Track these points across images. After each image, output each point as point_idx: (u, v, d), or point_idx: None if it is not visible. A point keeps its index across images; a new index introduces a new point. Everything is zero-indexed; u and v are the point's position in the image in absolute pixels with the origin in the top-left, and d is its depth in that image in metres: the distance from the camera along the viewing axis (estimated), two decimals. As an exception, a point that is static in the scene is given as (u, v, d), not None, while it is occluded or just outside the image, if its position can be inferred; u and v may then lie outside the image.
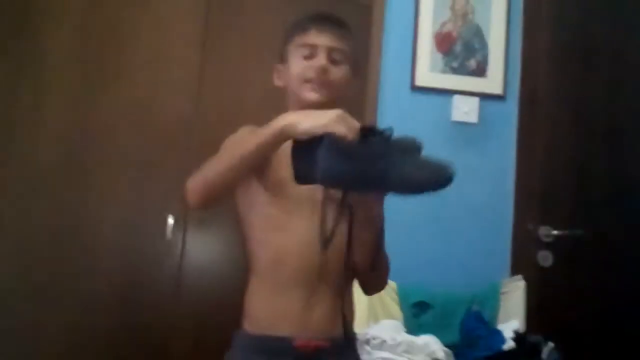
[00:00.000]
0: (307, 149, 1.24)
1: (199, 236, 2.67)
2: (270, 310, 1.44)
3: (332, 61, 1.50)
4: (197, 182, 1.38)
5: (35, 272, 2.56)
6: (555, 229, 2.54)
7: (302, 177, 1.26)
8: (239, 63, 2.72)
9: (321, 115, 1.27)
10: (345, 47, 1.53)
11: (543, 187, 2.76)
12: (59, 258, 2.58)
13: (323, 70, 1.48)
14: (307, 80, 1.50)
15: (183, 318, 2.61)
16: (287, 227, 1.43)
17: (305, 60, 1.51)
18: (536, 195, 2.77)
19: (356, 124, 1.28)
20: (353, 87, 1.60)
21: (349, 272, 1.48)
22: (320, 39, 1.51)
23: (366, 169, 1.24)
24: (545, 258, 2.60)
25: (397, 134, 2.86)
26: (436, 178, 1.30)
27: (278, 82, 1.59)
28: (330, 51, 1.50)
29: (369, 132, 1.29)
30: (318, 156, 1.22)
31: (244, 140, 1.39)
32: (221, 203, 1.41)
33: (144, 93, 2.69)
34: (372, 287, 1.59)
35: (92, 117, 2.67)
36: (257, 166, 1.38)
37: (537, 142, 2.80)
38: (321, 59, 1.49)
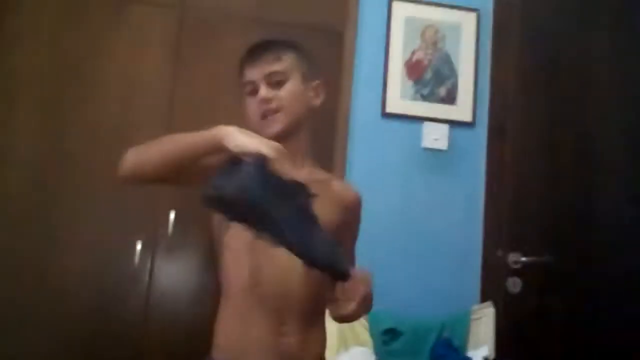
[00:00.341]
0: (231, 168, 1.23)
1: (168, 261, 2.64)
2: (239, 338, 1.42)
3: (275, 85, 1.52)
4: (131, 155, 1.42)
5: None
6: (524, 255, 2.56)
7: (209, 194, 1.22)
8: (210, 88, 2.71)
9: (258, 137, 1.29)
10: (283, 65, 1.53)
11: (512, 214, 2.78)
12: (24, 283, 2.52)
13: (265, 101, 1.50)
14: (261, 117, 1.51)
15: (151, 345, 2.56)
16: (263, 250, 1.39)
17: (250, 98, 1.53)
18: (505, 222, 2.79)
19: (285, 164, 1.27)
20: (315, 95, 1.60)
21: (322, 296, 1.47)
22: (253, 73, 1.53)
23: (278, 207, 1.21)
24: (515, 284, 2.61)
25: (369, 159, 2.89)
26: (333, 264, 1.26)
27: (246, 126, 1.57)
28: (267, 78, 1.52)
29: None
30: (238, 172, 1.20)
31: (183, 136, 1.38)
32: (147, 183, 1.47)
33: (115, 117, 2.67)
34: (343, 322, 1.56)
35: (61, 141, 2.63)
36: (187, 165, 1.37)
37: (507, 169, 2.83)
38: (261, 92, 1.50)
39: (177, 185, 1.50)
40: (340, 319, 1.33)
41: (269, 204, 1.20)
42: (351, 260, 1.51)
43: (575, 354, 2.53)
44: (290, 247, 1.22)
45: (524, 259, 2.53)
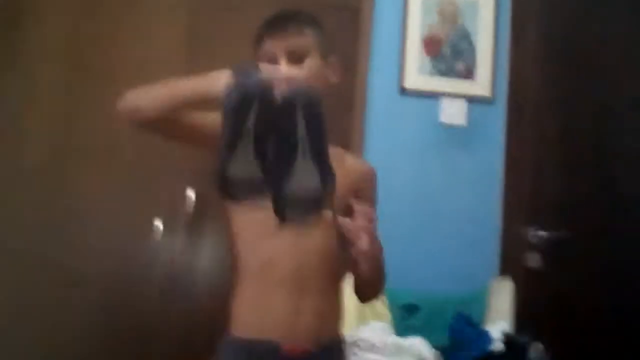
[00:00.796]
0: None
1: (188, 239, 2.67)
2: (257, 314, 1.44)
3: (295, 60, 1.48)
4: (132, 93, 1.43)
5: (18, 276, 2.54)
6: (543, 230, 2.55)
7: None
8: (226, 65, 2.71)
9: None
10: (305, 40, 1.51)
11: (532, 189, 2.77)
12: (44, 263, 2.56)
13: (286, 79, 1.41)
14: None
15: (171, 322, 2.60)
16: (277, 232, 1.39)
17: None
18: (525, 197, 2.78)
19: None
20: (332, 72, 1.58)
21: (339, 275, 1.48)
22: (274, 45, 1.49)
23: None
24: (534, 259, 2.61)
25: (386, 136, 2.88)
26: None
27: None
28: (289, 52, 1.48)
29: None
30: None
31: (182, 79, 1.39)
32: (142, 124, 1.43)
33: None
34: (365, 296, 1.57)
35: (78, 119, 2.66)
36: (182, 108, 1.38)
37: (525, 144, 2.81)
38: (282, 67, 1.47)
39: (170, 138, 1.49)
40: (361, 270, 1.30)
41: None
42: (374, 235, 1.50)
43: (595, 329, 2.54)
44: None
45: (543, 233, 2.52)
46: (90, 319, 2.56)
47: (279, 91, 1.19)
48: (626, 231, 2.50)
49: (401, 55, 2.86)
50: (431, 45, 2.88)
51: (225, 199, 1.20)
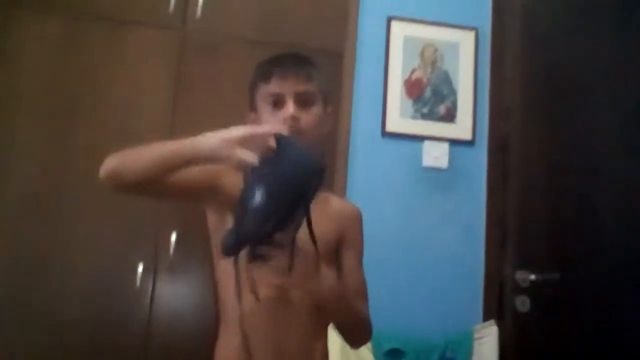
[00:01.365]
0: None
1: (169, 284, 2.63)
2: (240, 357, 1.41)
3: (301, 105, 1.45)
4: (115, 158, 1.38)
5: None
6: (532, 273, 2.54)
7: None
8: (212, 110, 2.72)
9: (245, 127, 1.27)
10: (313, 87, 1.49)
11: (518, 231, 2.76)
12: (25, 304, 2.51)
13: (293, 120, 1.43)
14: None
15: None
16: (247, 283, 1.36)
17: (273, 111, 1.46)
18: (512, 239, 2.77)
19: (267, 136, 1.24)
20: (327, 121, 1.57)
21: (324, 322, 1.46)
22: (284, 86, 1.45)
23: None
24: (523, 303, 2.59)
25: (369, 178, 2.89)
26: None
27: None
28: (297, 96, 1.45)
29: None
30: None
31: (164, 144, 1.34)
32: (125, 189, 1.40)
33: (116, 138, 2.67)
34: (351, 342, 1.57)
35: (62, 161, 2.63)
36: (166, 173, 1.33)
37: (510, 186, 2.82)
38: (289, 108, 1.44)
39: (154, 197, 1.47)
40: None
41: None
42: (359, 277, 1.49)
43: None
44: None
45: (532, 277, 2.51)
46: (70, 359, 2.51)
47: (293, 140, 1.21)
48: (616, 271, 2.50)
49: (383, 99, 2.88)
50: (413, 89, 2.91)
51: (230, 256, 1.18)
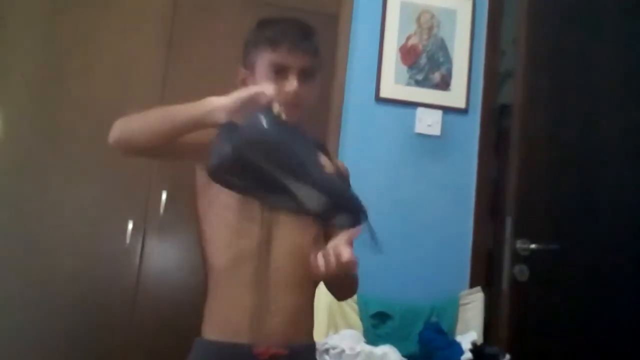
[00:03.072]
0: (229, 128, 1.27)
1: (159, 241, 2.64)
2: (228, 315, 1.42)
3: (303, 79, 1.45)
4: (124, 123, 1.42)
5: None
6: (532, 242, 2.56)
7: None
8: (204, 67, 2.70)
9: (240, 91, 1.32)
10: (317, 61, 1.48)
11: (518, 200, 2.76)
12: (15, 261, 2.52)
13: (295, 95, 1.43)
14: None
15: (141, 324, 2.58)
16: (246, 231, 1.41)
17: (274, 78, 1.44)
18: (511, 208, 2.77)
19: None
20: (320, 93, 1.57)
21: (310, 274, 1.48)
22: (291, 59, 1.44)
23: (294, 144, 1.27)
24: (522, 272, 2.61)
25: (361, 143, 2.89)
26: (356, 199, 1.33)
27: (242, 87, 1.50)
28: (301, 71, 1.44)
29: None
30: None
31: (173, 108, 1.38)
32: (135, 153, 1.44)
33: (107, 94, 2.66)
34: (340, 294, 1.59)
35: (53, 117, 2.63)
36: (175, 137, 1.38)
37: (511, 154, 2.81)
38: (292, 84, 1.43)
39: (164, 159, 1.50)
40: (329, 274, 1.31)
41: (288, 142, 1.25)
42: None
43: (579, 346, 2.55)
44: (316, 184, 1.25)
45: (533, 246, 2.53)
46: (59, 319, 2.53)
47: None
48: (611, 241, 2.52)
49: (378, 64, 2.87)
50: (408, 55, 2.90)
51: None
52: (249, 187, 1.31)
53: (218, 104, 1.31)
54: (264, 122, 1.25)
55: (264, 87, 1.33)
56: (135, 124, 1.41)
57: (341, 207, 1.30)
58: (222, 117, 1.30)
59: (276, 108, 1.30)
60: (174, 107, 1.37)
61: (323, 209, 1.27)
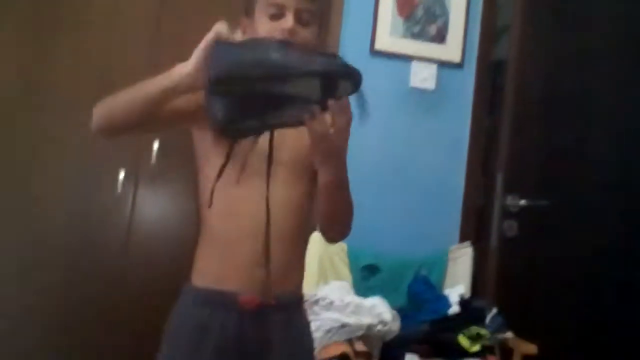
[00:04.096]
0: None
1: (150, 191, 2.64)
2: (218, 264, 1.44)
3: (301, 22, 1.42)
4: (102, 109, 1.42)
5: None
6: (522, 198, 2.57)
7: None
8: (197, 19, 2.65)
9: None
10: (315, 6, 1.46)
11: (509, 156, 2.76)
12: (4, 212, 2.52)
13: (290, 33, 1.40)
14: None
15: (133, 273, 2.59)
16: (240, 181, 1.41)
17: (271, 20, 1.42)
18: (503, 165, 2.78)
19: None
20: (319, 44, 1.53)
21: (304, 231, 1.48)
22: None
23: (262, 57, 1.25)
24: (511, 227, 2.63)
25: (355, 97, 2.84)
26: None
27: (244, 37, 1.48)
28: (298, 12, 1.42)
29: None
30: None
31: (147, 83, 1.38)
32: (125, 134, 1.47)
33: (100, 44, 2.63)
34: (332, 233, 1.54)
35: (44, 66, 2.59)
36: (154, 111, 1.38)
37: (504, 111, 2.80)
38: (288, 21, 1.41)
39: (157, 131, 1.49)
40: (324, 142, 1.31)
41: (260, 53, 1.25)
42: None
43: (564, 300, 2.59)
44: (307, 74, 1.25)
45: (523, 202, 2.54)
46: (50, 269, 2.54)
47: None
48: (601, 199, 2.54)
49: (374, 15, 2.83)
50: (405, 6, 2.85)
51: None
52: (249, 118, 1.29)
53: (184, 70, 1.31)
54: (223, 49, 1.27)
55: (215, 28, 1.31)
56: (111, 107, 1.41)
57: (338, 78, 1.28)
58: (190, 81, 1.31)
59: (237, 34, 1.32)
60: (145, 82, 1.37)
61: (323, 93, 1.25)
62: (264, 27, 1.43)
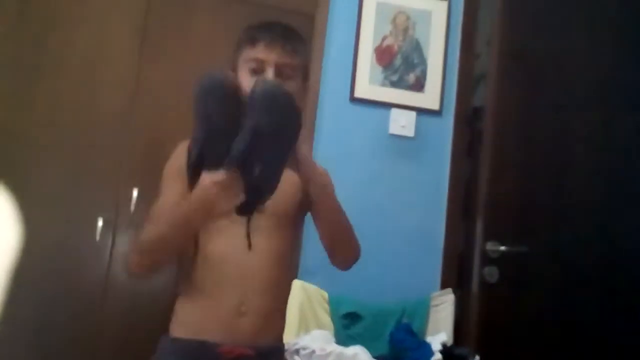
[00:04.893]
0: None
1: (129, 238, 2.62)
2: (199, 314, 1.43)
3: (282, 77, 1.45)
4: (134, 255, 1.45)
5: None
6: (501, 244, 2.57)
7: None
8: (177, 62, 2.68)
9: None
10: (296, 61, 1.48)
11: (488, 202, 2.77)
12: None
13: None
14: None
15: (110, 321, 2.55)
16: (218, 230, 1.41)
17: (252, 75, 1.45)
18: (482, 211, 2.78)
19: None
20: (303, 96, 1.58)
21: (286, 280, 1.48)
22: (268, 54, 1.45)
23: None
24: (491, 274, 2.63)
25: (335, 143, 2.88)
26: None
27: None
28: (279, 67, 1.45)
29: None
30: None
31: (172, 210, 1.39)
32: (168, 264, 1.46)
33: (80, 90, 2.64)
34: (342, 255, 1.58)
35: (25, 112, 2.59)
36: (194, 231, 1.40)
37: (481, 158, 2.82)
38: (268, 76, 1.43)
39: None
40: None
41: None
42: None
43: (547, 346, 2.58)
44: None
45: (502, 248, 2.54)
46: (28, 315, 2.49)
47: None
48: (579, 244, 2.55)
49: (353, 64, 2.87)
50: (383, 55, 2.90)
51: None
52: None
53: (206, 183, 1.30)
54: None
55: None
56: (144, 247, 1.43)
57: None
58: (214, 191, 1.29)
59: None
60: (171, 211, 1.39)
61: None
62: (245, 81, 1.44)
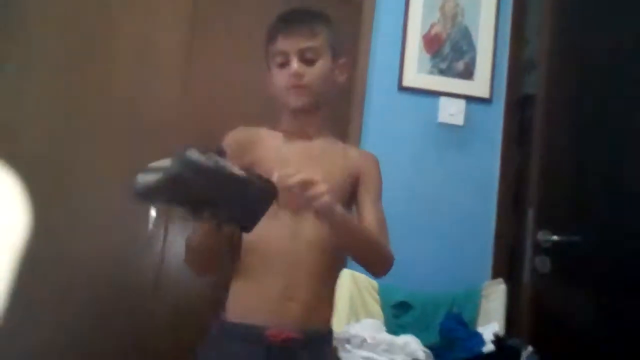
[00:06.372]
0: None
1: (182, 228, 2.65)
2: (248, 299, 1.46)
3: (306, 61, 1.50)
4: (187, 262, 1.55)
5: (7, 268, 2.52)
6: (554, 234, 2.53)
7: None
8: (227, 53, 2.70)
9: None
10: (318, 42, 1.52)
11: (540, 191, 2.74)
12: (39, 245, 2.54)
13: (297, 76, 1.49)
14: (288, 88, 1.51)
15: (162, 311, 2.59)
16: (277, 222, 1.43)
17: (280, 68, 1.52)
18: (534, 200, 2.75)
19: None
20: (342, 72, 1.59)
21: (335, 268, 1.49)
22: (287, 44, 1.51)
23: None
24: (544, 263, 2.59)
25: (384, 132, 2.88)
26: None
27: (269, 91, 1.59)
28: (301, 53, 1.50)
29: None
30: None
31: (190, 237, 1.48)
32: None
33: (131, 84, 2.68)
34: (372, 272, 1.61)
35: (76, 108, 2.64)
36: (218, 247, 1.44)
37: (533, 145, 2.78)
38: (292, 66, 1.49)
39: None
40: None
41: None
42: (380, 219, 1.57)
43: (601, 338, 2.53)
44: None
45: (555, 237, 2.51)
46: (82, 305, 2.54)
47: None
48: (635, 233, 2.49)
49: (401, 52, 2.85)
50: (432, 43, 2.87)
51: None
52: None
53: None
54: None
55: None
56: (187, 258, 1.55)
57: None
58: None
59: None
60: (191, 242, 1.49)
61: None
62: (276, 77, 1.54)
